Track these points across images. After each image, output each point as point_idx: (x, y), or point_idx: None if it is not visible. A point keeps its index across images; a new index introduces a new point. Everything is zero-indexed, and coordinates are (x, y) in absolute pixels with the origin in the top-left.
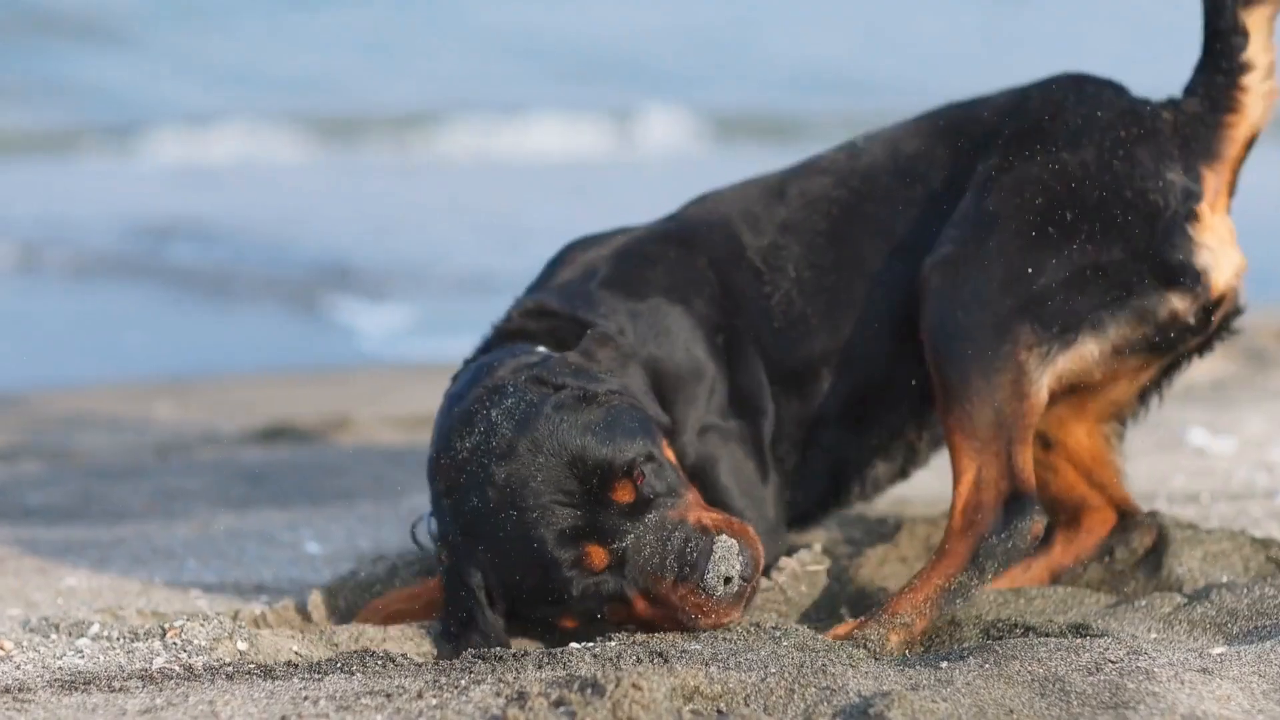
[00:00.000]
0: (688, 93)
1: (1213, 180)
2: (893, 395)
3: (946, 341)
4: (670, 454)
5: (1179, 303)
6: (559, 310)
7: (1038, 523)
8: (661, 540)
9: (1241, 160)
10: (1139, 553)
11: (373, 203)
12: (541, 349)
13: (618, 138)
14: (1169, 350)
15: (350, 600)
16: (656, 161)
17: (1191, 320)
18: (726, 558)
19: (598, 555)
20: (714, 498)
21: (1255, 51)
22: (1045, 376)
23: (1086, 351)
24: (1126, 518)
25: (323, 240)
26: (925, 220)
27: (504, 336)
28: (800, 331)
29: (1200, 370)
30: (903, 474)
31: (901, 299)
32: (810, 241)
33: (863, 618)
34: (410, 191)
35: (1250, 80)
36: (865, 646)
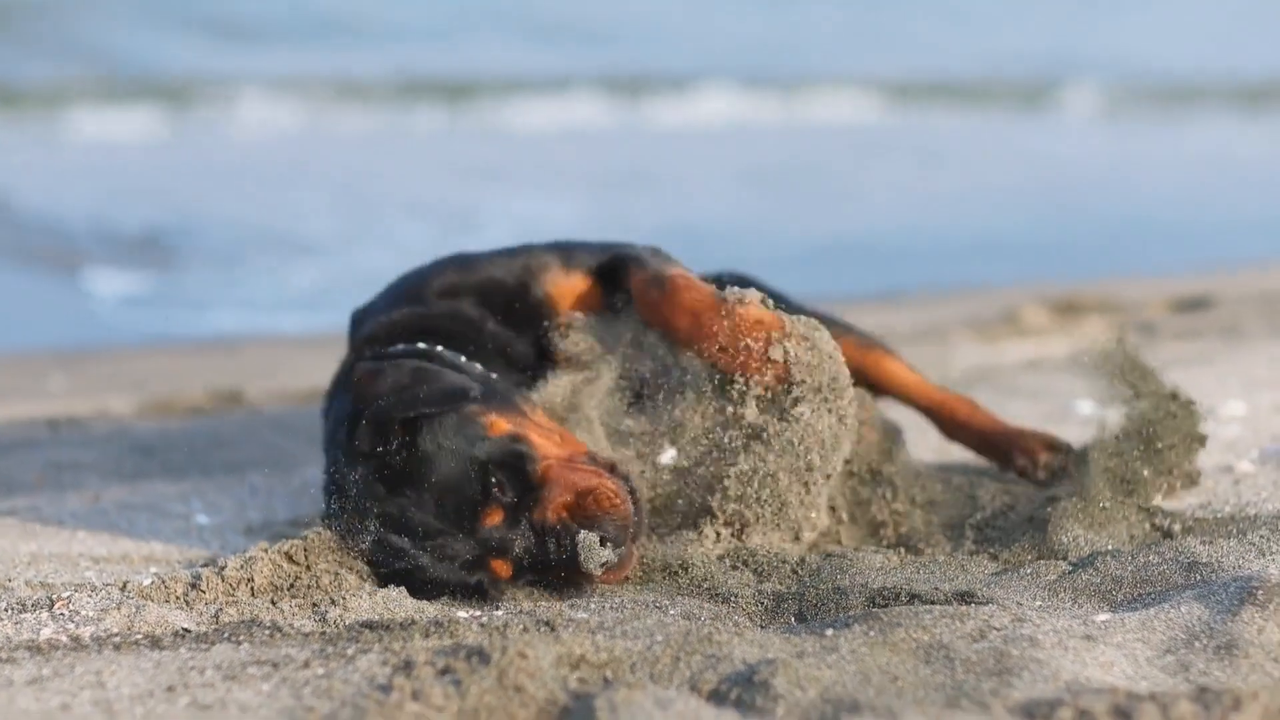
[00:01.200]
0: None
1: None
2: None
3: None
4: (500, 422)
5: None
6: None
7: None
8: (540, 544)
9: None
10: None
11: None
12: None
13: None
14: None
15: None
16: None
17: None
18: (590, 551)
19: (502, 569)
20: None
21: None
22: None
23: None
24: None
25: (138, 211)
26: None
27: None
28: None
29: (1090, 342)
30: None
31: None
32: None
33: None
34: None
35: None
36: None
